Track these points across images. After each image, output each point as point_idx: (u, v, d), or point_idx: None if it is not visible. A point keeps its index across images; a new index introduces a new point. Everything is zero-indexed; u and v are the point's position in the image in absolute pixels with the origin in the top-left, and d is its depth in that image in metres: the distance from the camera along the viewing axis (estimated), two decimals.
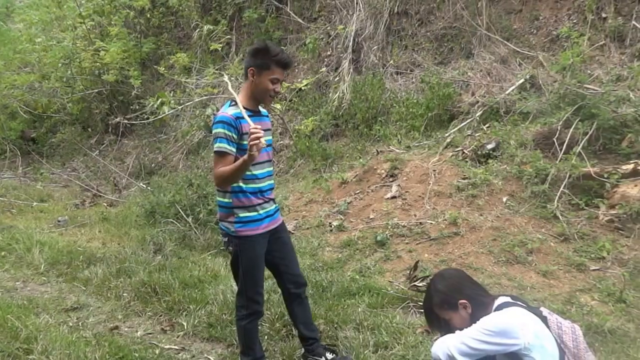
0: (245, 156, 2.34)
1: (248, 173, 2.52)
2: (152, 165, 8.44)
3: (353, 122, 6.98)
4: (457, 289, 2.16)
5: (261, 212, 2.62)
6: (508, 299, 2.12)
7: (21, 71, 10.79)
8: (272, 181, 2.72)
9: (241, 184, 2.56)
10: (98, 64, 9.42)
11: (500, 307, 2.05)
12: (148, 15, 10.02)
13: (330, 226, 4.91)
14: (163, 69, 7.91)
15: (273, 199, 2.73)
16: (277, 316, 3.41)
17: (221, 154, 2.47)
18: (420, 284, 3.48)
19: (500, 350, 1.94)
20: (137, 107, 8.37)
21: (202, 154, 8.19)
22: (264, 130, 2.58)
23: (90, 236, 5.80)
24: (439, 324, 2.23)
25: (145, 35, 10.14)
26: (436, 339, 2.17)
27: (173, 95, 7.83)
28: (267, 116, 2.78)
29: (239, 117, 2.45)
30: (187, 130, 8.21)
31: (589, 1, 6.42)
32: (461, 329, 2.08)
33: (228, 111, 2.50)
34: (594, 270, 3.68)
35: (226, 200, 2.61)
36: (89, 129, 10.57)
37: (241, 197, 2.57)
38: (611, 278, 3.57)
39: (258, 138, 2.26)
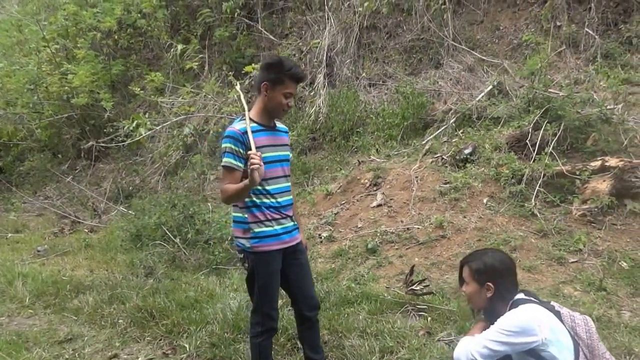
0: (247, 180, 2.35)
1: (260, 188, 2.50)
2: (130, 188, 8.31)
3: (330, 135, 7.11)
4: (495, 273, 2.20)
5: (277, 227, 2.58)
6: (522, 295, 2.22)
7: None
8: (289, 197, 2.67)
9: (255, 199, 2.53)
10: (66, 87, 9.22)
11: (515, 304, 2.15)
12: (116, 37, 9.90)
13: (320, 237, 4.99)
14: (139, 89, 7.83)
15: (291, 216, 2.68)
16: (280, 330, 3.43)
17: (228, 169, 2.47)
18: (417, 288, 3.60)
19: (520, 349, 2.03)
20: (111, 130, 8.25)
21: (180, 174, 8.13)
22: (280, 145, 2.62)
23: (75, 264, 5.66)
24: (460, 279, 2.36)
25: (114, 57, 10.01)
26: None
27: (148, 117, 7.77)
28: (286, 131, 2.74)
29: (246, 132, 2.43)
30: (165, 151, 8.13)
31: (544, 11, 6.81)
32: (469, 301, 2.27)
33: (236, 126, 2.49)
34: (573, 262, 3.90)
35: (241, 215, 2.58)
36: (60, 155, 10.29)
37: (256, 211, 2.53)
38: (589, 269, 3.79)
39: (256, 163, 2.27)
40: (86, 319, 4.20)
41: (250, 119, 2.52)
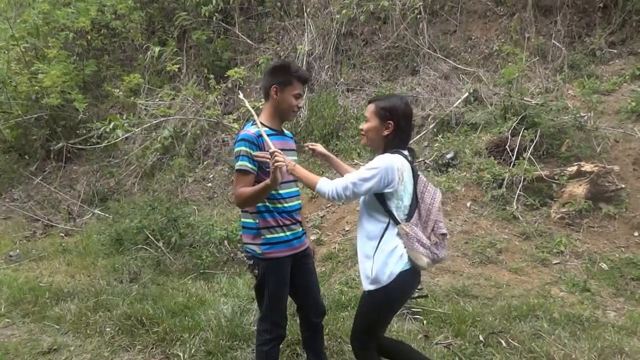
0: (268, 180, 2.23)
1: (274, 192, 2.39)
2: (106, 190, 7.90)
3: (311, 139, 6.99)
4: (398, 114, 2.23)
5: (288, 233, 2.47)
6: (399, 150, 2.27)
7: None
8: (299, 201, 2.57)
9: (267, 204, 2.41)
10: (36, 87, 8.68)
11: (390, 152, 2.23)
12: (89, 37, 9.41)
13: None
14: (119, 91, 7.46)
15: (300, 221, 2.58)
16: None
17: (243, 172, 2.35)
18: None
19: (378, 187, 2.13)
20: (84, 131, 7.83)
21: (157, 177, 7.81)
22: (290, 150, 2.52)
23: (52, 270, 5.29)
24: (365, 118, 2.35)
25: (86, 58, 9.51)
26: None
27: (126, 118, 7.41)
28: (292, 137, 2.65)
29: (261, 136, 2.33)
30: (142, 153, 7.77)
31: (513, 23, 6.95)
32: (366, 135, 2.28)
33: (250, 129, 2.40)
34: (556, 264, 3.95)
35: (252, 221, 2.45)
36: (27, 156, 9.68)
37: (268, 217, 2.42)
38: (572, 270, 3.85)
39: (281, 160, 2.16)
40: (70, 328, 3.91)
41: (262, 123, 2.42)
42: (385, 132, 2.22)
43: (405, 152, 2.26)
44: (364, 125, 2.29)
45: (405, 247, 2.15)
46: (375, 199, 2.18)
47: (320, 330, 2.76)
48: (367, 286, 2.20)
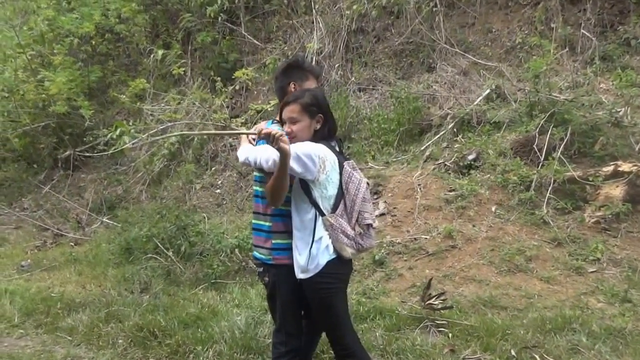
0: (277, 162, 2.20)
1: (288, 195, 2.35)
2: (113, 198, 7.94)
3: None
4: (324, 106, 2.37)
5: None
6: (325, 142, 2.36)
7: None
8: None
9: (281, 207, 2.38)
10: (43, 95, 8.79)
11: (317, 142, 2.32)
12: (93, 43, 9.49)
13: None
14: (125, 96, 7.50)
15: None
16: None
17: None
18: (436, 302, 3.43)
19: (293, 173, 2.21)
20: (91, 138, 7.89)
21: (165, 184, 7.81)
22: None
23: (63, 280, 5.33)
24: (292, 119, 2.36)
25: (91, 64, 9.60)
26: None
27: (132, 124, 7.43)
28: None
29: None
30: (149, 160, 7.79)
31: (538, 13, 6.77)
32: (295, 137, 2.28)
33: (273, 127, 2.37)
34: (592, 272, 3.80)
35: (266, 223, 2.44)
36: (35, 165, 9.83)
37: (279, 221, 2.41)
38: (610, 279, 3.69)
39: (274, 133, 2.10)
40: (82, 339, 3.94)
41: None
42: (317, 126, 2.33)
43: (332, 143, 2.39)
44: (293, 127, 2.31)
45: (330, 238, 2.27)
46: (301, 189, 2.29)
47: None
48: (299, 275, 2.33)
